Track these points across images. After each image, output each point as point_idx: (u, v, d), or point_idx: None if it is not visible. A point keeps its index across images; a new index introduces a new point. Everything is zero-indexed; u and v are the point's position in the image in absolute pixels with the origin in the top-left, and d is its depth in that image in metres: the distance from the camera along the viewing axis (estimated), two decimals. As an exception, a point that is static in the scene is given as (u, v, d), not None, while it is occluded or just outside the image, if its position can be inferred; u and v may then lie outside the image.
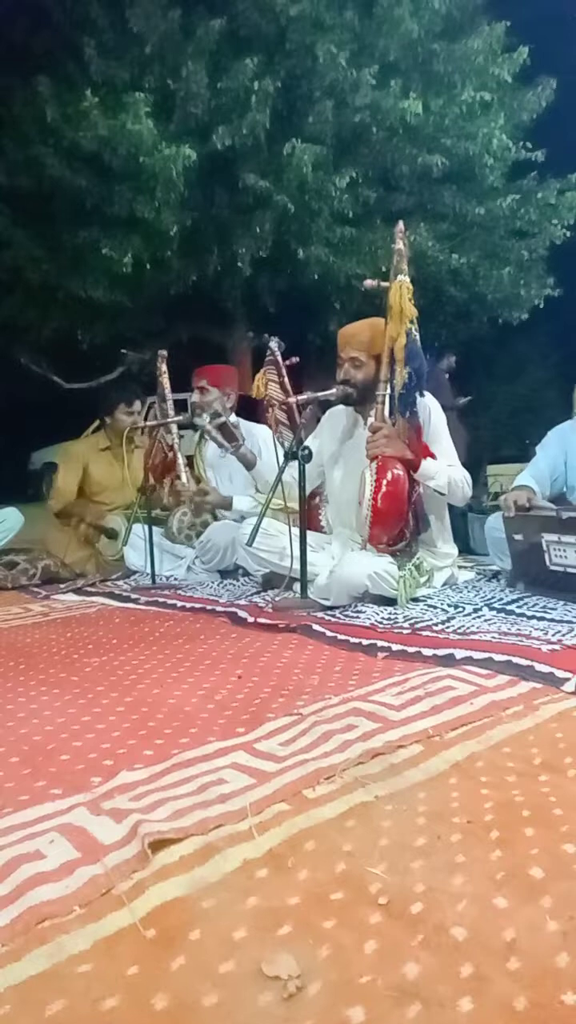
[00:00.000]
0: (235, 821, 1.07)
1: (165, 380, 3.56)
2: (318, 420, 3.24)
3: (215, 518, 3.56)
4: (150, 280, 8.03)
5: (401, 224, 2.69)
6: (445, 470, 2.62)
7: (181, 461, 3.51)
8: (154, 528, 3.39)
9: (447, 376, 6.15)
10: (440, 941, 0.80)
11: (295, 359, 3.85)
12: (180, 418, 3.58)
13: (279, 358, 3.81)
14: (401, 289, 2.60)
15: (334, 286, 8.63)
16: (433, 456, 2.61)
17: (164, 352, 3.67)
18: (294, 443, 2.71)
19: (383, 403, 2.63)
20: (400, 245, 2.65)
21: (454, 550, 2.93)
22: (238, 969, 0.77)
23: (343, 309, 8.81)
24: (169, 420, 3.51)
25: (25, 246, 7.82)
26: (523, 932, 0.81)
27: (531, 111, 9.05)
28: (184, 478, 3.49)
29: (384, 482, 2.49)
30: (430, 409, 2.70)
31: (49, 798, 1.16)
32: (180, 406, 3.71)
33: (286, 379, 3.82)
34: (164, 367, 3.58)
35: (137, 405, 3.90)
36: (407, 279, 2.62)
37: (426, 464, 2.57)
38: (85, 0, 7.35)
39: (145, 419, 3.79)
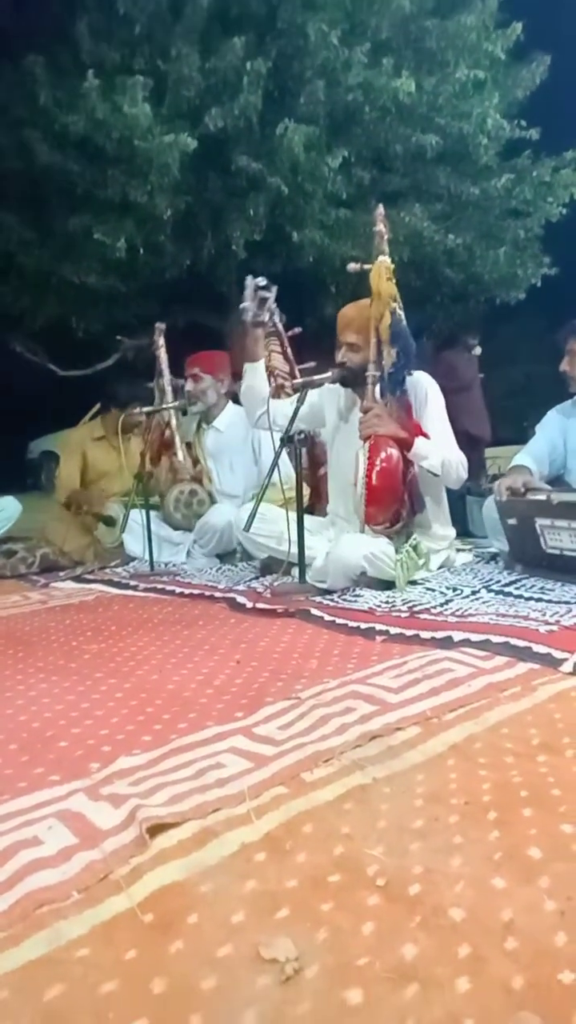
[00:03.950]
0: (233, 805, 1.07)
1: (163, 354, 3.54)
2: None
3: (212, 500, 3.55)
4: (144, 265, 7.97)
5: (381, 208, 2.68)
6: (438, 450, 2.61)
7: (178, 439, 3.51)
8: (152, 514, 3.38)
9: (476, 356, 6.12)
10: (438, 922, 0.80)
11: (297, 329, 3.84)
12: (176, 403, 3.58)
13: (281, 328, 3.80)
14: (379, 269, 2.58)
15: (329, 269, 8.56)
16: (425, 435, 2.59)
17: (162, 325, 3.64)
18: (289, 427, 2.70)
19: (373, 384, 2.62)
20: (380, 227, 2.63)
21: (451, 532, 2.93)
22: (236, 953, 0.77)
23: (339, 292, 8.75)
24: (165, 407, 3.51)
25: (16, 230, 7.76)
26: (521, 912, 0.81)
27: (525, 88, 8.94)
28: (180, 456, 3.49)
29: (378, 459, 2.48)
30: (426, 388, 2.69)
31: (47, 784, 1.16)
32: (177, 391, 3.69)
33: (288, 349, 3.82)
34: (162, 340, 3.55)
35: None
36: (387, 259, 2.61)
37: (419, 443, 2.56)
38: None
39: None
